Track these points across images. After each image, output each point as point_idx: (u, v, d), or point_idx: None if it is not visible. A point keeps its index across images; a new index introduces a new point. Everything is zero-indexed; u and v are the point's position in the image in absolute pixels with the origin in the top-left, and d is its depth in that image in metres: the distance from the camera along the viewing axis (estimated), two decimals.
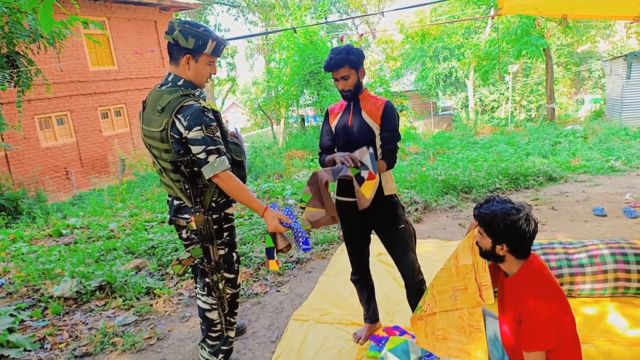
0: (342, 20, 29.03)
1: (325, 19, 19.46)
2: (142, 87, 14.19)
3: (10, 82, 7.60)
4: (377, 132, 2.52)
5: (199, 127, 2.02)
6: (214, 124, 2.08)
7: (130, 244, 4.74)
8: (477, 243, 2.01)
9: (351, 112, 2.57)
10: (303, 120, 20.42)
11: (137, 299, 3.65)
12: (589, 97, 23.76)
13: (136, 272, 4.06)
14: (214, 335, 2.43)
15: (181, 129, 2.04)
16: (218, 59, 2.25)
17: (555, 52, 21.27)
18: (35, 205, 9.04)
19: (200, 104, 2.08)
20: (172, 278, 4.03)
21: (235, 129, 2.49)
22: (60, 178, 11.92)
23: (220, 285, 2.25)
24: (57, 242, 5.31)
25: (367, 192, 2.34)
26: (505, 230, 1.87)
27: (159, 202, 7.49)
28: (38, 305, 3.60)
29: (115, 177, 12.26)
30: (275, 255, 2.30)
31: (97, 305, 3.57)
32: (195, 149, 2.04)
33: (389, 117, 2.52)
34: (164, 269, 4.21)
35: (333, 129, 2.64)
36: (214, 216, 2.22)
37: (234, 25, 64.40)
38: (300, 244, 2.31)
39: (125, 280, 3.78)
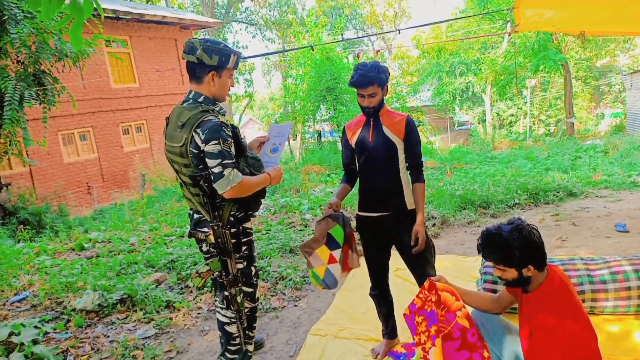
0: (359, 37, 29.28)
1: (342, 35, 19.67)
2: (163, 103, 14.49)
3: (37, 100, 7.85)
4: (399, 147, 2.54)
5: (216, 141, 2.06)
6: (230, 139, 2.12)
7: (150, 258, 4.81)
8: (496, 280, 2.00)
9: (371, 128, 2.57)
10: (319, 135, 20.52)
11: (157, 312, 3.69)
12: (609, 111, 23.44)
13: (156, 286, 4.12)
14: (232, 349, 2.45)
15: (199, 143, 2.09)
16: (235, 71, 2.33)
17: (574, 66, 21.10)
18: (57, 219, 9.24)
19: (219, 119, 2.13)
20: (191, 292, 4.07)
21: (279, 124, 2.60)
22: (82, 193, 12.17)
23: (239, 299, 2.27)
24: (79, 255, 5.42)
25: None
26: (522, 253, 1.86)
27: (178, 216, 7.58)
28: (61, 318, 3.66)
29: (135, 191, 12.46)
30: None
31: (118, 318, 3.62)
32: (210, 162, 2.07)
33: (413, 132, 2.54)
34: (183, 283, 4.26)
35: (353, 146, 2.65)
36: (233, 230, 2.25)
37: (252, 43, 65.46)
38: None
39: (146, 294, 3.83)
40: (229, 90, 2.32)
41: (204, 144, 2.07)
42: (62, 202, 10.91)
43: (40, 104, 8.07)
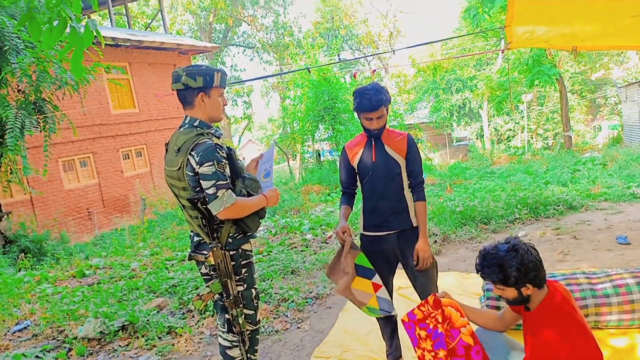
0: (355, 58, 29.66)
1: (338, 56, 19.91)
2: (163, 127, 14.59)
3: (37, 128, 7.91)
4: (402, 165, 2.57)
5: (210, 163, 2.10)
6: (225, 161, 2.17)
7: (151, 283, 4.79)
8: (499, 297, 2.01)
9: (374, 148, 2.60)
10: (319, 155, 20.61)
11: (159, 338, 3.66)
12: (606, 123, 23.58)
13: (158, 311, 4.09)
14: None
15: (194, 165, 2.14)
16: (225, 90, 2.38)
17: (569, 80, 21.30)
18: (58, 246, 9.22)
19: (213, 141, 2.18)
20: (193, 316, 4.05)
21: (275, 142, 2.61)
22: (82, 219, 12.16)
23: (240, 320, 2.28)
24: (80, 282, 5.39)
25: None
26: (519, 273, 1.87)
27: (179, 240, 7.57)
28: (63, 347, 3.64)
29: (136, 216, 12.45)
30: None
31: (120, 346, 3.59)
32: (205, 184, 2.11)
33: (414, 151, 2.59)
34: (185, 308, 4.23)
35: (355, 166, 2.67)
36: (231, 253, 2.27)
37: (250, 65, 66.23)
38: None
39: (148, 320, 3.81)
40: (223, 109, 2.37)
41: (198, 166, 2.12)
42: (62, 229, 10.89)
43: (41, 131, 8.13)
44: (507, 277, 1.88)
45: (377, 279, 2.60)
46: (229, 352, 2.41)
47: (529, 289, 1.90)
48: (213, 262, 2.21)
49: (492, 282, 1.96)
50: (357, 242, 2.82)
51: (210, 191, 2.10)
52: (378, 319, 2.84)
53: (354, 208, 2.88)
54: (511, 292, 1.93)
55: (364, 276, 2.59)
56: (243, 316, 2.30)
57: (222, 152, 2.17)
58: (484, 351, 1.99)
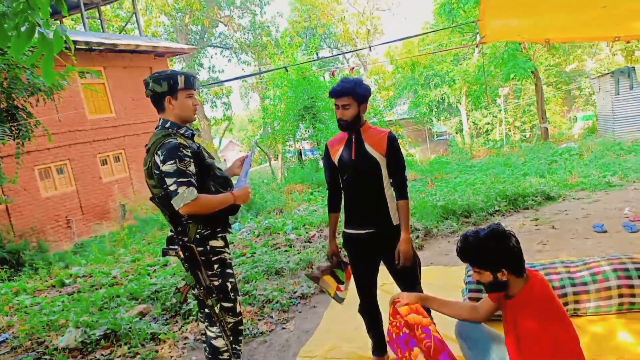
0: (333, 56, 29.69)
1: (317, 54, 19.90)
2: (140, 131, 14.38)
3: (10, 136, 7.72)
4: (382, 162, 2.57)
5: (172, 161, 2.18)
6: (188, 159, 2.22)
7: (133, 290, 4.72)
8: (477, 282, 2.05)
9: (353, 145, 2.60)
10: (300, 154, 20.59)
11: (143, 345, 3.61)
12: (581, 114, 24.04)
13: (140, 318, 4.03)
14: None
15: (159, 164, 2.22)
16: (195, 91, 2.44)
17: (544, 72, 21.65)
18: (37, 256, 9.03)
19: (178, 140, 2.24)
20: (176, 322, 4.00)
21: (255, 143, 2.64)
22: (61, 227, 11.93)
23: (217, 310, 2.35)
24: (60, 292, 5.29)
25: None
26: (496, 257, 1.91)
27: (160, 245, 7.48)
28: (43, 358, 3.55)
29: (116, 222, 12.27)
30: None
31: (102, 355, 3.53)
32: (168, 181, 2.19)
33: (394, 149, 2.58)
34: (168, 313, 4.18)
35: (336, 163, 2.67)
36: (199, 249, 2.32)
37: (228, 66, 66.12)
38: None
39: (130, 327, 3.75)
40: (195, 109, 2.44)
41: (162, 164, 2.20)
42: (41, 238, 10.67)
43: (14, 139, 7.94)
44: (483, 260, 1.93)
45: (342, 286, 2.87)
46: (213, 342, 2.48)
47: (505, 274, 1.93)
48: (182, 256, 2.29)
49: (469, 264, 2.00)
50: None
51: (172, 188, 2.17)
52: (363, 316, 2.86)
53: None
54: (487, 276, 1.97)
55: (335, 279, 2.86)
56: (219, 306, 2.37)
57: (186, 151, 2.23)
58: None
